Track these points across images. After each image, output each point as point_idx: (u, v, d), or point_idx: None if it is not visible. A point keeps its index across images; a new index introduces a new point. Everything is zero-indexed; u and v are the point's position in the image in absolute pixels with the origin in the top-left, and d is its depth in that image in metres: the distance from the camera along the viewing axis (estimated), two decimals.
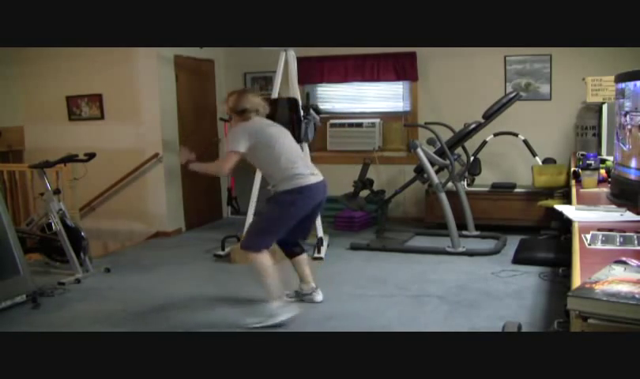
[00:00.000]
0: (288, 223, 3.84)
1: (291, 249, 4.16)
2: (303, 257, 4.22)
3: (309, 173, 3.87)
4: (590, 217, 2.73)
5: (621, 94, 3.03)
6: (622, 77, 3.02)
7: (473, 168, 6.15)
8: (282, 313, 3.77)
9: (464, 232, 5.82)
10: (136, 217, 6.68)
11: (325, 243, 5.62)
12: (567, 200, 4.57)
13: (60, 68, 6.73)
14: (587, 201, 3.21)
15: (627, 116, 2.92)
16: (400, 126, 6.97)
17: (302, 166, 3.87)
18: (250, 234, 3.94)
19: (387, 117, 7.07)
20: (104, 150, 6.01)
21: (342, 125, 7.11)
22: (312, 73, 6.96)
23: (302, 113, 5.48)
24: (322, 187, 3.94)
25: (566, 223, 3.21)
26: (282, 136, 3.95)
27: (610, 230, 2.40)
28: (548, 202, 5.60)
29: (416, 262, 5.20)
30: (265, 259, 3.77)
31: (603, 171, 3.86)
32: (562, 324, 2.83)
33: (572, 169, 4.40)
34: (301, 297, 4.22)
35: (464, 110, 6.19)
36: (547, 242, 5.46)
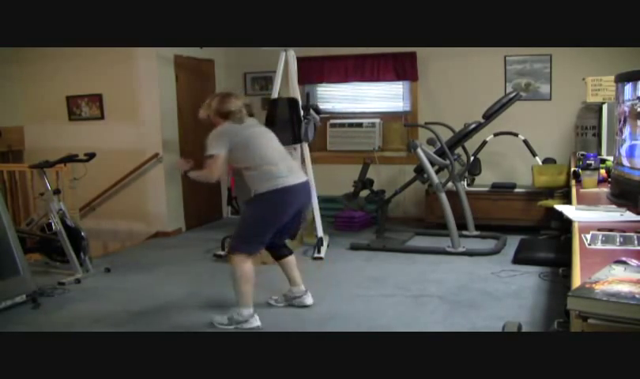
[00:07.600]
0: (271, 226, 3.72)
1: (278, 251, 4.04)
2: (292, 259, 4.09)
3: (287, 174, 3.69)
4: (590, 217, 2.72)
5: None
6: (622, 77, 3.02)
7: (473, 168, 6.15)
8: (252, 321, 3.72)
9: (465, 232, 5.82)
10: (136, 217, 6.68)
11: (325, 243, 5.62)
12: (567, 200, 4.57)
13: (60, 68, 6.73)
14: (587, 201, 3.20)
15: None
16: (400, 126, 6.97)
17: (282, 167, 3.70)
18: (237, 238, 3.78)
19: (387, 117, 7.08)
20: (104, 150, 6.01)
21: (342, 125, 7.11)
22: (312, 73, 6.96)
23: (302, 113, 5.48)
24: (302, 188, 3.77)
25: (566, 223, 3.21)
26: (261, 136, 3.79)
27: (610, 230, 2.39)
28: (548, 202, 5.60)
29: (416, 262, 5.20)
30: (247, 266, 3.67)
31: (603, 171, 3.86)
32: (562, 324, 2.83)
33: (572, 169, 4.39)
34: (290, 300, 4.12)
35: (464, 110, 6.19)
36: (547, 242, 5.46)
